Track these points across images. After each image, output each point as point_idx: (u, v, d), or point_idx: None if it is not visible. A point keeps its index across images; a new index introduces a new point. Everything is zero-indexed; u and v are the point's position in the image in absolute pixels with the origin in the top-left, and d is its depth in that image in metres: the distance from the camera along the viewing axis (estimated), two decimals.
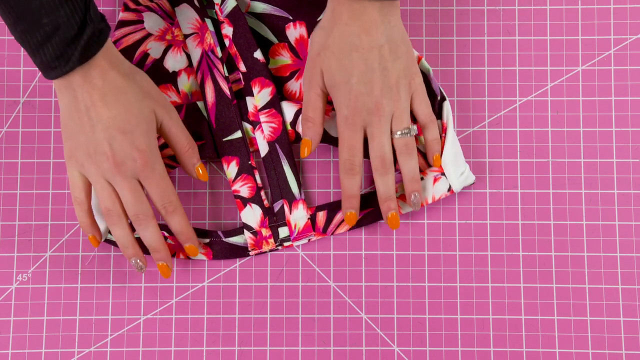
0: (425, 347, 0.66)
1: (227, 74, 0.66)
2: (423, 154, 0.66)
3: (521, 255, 0.67)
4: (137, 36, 0.67)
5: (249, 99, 0.66)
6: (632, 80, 0.68)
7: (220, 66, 0.65)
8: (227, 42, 0.66)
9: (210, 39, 0.65)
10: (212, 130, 0.66)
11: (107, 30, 0.57)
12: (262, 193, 0.66)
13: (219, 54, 0.65)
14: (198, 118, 0.66)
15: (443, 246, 0.67)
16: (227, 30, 0.65)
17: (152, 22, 0.67)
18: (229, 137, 0.66)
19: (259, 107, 0.66)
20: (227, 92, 0.65)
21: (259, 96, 0.66)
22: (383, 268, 0.67)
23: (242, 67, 0.65)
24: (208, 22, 0.65)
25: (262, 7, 0.67)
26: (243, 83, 0.66)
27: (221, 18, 0.65)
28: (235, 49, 0.65)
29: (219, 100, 0.65)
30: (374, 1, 0.58)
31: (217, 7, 0.66)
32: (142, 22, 0.67)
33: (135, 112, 0.59)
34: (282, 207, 0.66)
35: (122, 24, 0.67)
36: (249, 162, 0.66)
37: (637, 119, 0.68)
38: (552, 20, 0.69)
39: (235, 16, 0.65)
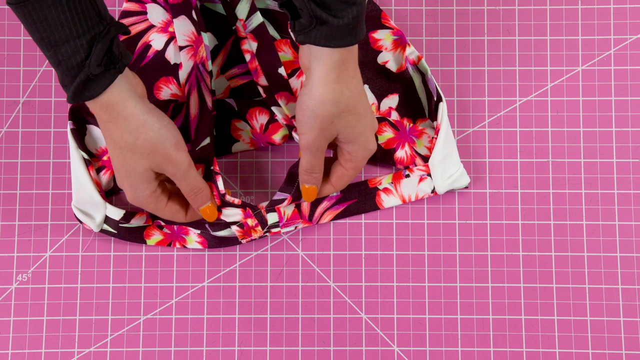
0: (425, 347, 0.66)
1: (213, 87, 0.66)
2: (419, 154, 0.67)
3: (521, 255, 0.67)
4: (140, 27, 0.67)
5: (276, 109, 0.66)
6: (632, 80, 0.68)
7: (208, 80, 0.65)
8: (247, 56, 0.65)
9: (203, 52, 0.64)
10: (191, 141, 0.65)
11: (106, 79, 0.55)
12: (228, 197, 0.64)
13: (209, 68, 0.65)
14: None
15: (443, 246, 0.67)
16: (251, 45, 0.65)
17: (155, 14, 0.67)
18: (200, 145, 0.64)
19: (290, 117, 0.66)
20: (209, 104, 0.65)
21: (288, 107, 0.65)
22: (383, 268, 0.67)
23: (263, 81, 0.65)
24: (204, 35, 0.65)
25: (266, 2, 0.67)
26: (264, 95, 0.65)
27: (243, 34, 0.65)
28: (256, 63, 0.65)
29: (201, 113, 0.65)
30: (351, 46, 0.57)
31: (240, 23, 0.65)
32: (145, 13, 0.67)
33: (127, 169, 0.59)
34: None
35: (126, 14, 0.67)
36: (212, 168, 0.64)
37: (637, 119, 0.68)
38: (552, 20, 0.69)
39: (260, 32, 0.65)
